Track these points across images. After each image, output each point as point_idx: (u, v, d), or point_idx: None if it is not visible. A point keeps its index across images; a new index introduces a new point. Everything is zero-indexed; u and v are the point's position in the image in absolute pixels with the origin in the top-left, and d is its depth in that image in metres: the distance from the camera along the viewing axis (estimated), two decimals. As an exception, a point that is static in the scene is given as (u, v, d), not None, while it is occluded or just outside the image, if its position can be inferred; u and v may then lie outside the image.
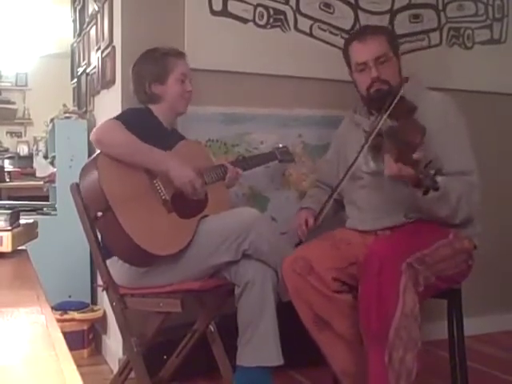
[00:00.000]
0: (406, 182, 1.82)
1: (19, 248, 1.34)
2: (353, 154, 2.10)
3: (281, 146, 2.62)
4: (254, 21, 2.67)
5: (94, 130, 2.03)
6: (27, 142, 7.23)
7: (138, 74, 2.21)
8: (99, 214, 1.91)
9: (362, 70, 2.09)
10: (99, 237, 2.09)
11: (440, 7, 3.05)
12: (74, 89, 3.75)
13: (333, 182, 2.27)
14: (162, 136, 2.14)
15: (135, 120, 2.06)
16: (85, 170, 2.00)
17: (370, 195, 2.13)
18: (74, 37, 3.64)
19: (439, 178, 1.74)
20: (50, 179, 3.44)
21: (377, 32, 2.13)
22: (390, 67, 2.08)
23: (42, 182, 3.75)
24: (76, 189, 2.06)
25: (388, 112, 1.98)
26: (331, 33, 2.82)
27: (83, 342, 2.84)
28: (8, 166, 6.00)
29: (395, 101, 1.99)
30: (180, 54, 2.24)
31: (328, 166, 2.40)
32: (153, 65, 2.18)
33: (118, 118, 2.07)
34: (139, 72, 2.21)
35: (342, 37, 2.82)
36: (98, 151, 2.00)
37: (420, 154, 1.75)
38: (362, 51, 2.09)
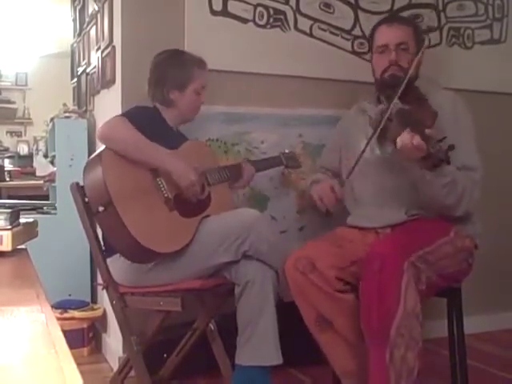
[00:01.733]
0: (415, 160, 1.81)
1: (19, 247, 1.34)
2: (357, 138, 2.11)
3: (287, 151, 2.61)
4: (253, 21, 2.67)
5: (101, 125, 2.03)
6: (27, 142, 7.23)
7: (160, 76, 2.18)
8: (100, 208, 1.92)
9: (382, 51, 2.14)
10: (99, 234, 2.10)
11: (440, 7, 3.05)
12: (73, 88, 3.75)
13: (336, 168, 2.32)
14: (168, 135, 2.14)
15: (142, 118, 2.06)
16: (89, 165, 2.00)
17: (371, 188, 2.14)
18: (74, 36, 3.65)
19: (450, 167, 1.77)
20: (50, 178, 3.45)
21: (405, 22, 2.24)
22: (410, 57, 2.11)
23: (42, 181, 3.76)
24: (76, 188, 2.06)
25: (399, 94, 1.99)
26: (331, 33, 2.82)
27: (83, 340, 2.84)
28: (8, 165, 5.99)
29: (404, 83, 2.01)
30: (204, 65, 2.23)
31: (330, 154, 2.41)
32: (178, 70, 2.16)
33: (124, 114, 2.07)
34: (162, 74, 2.18)
35: (342, 37, 2.83)
36: (103, 147, 2.00)
37: (432, 131, 1.77)
38: (386, 34, 2.14)
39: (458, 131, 2.02)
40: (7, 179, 5.05)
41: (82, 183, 2.04)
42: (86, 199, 2.03)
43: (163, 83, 2.17)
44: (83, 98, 3.38)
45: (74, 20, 3.62)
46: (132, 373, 2.13)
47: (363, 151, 2.04)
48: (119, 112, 2.33)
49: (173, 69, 2.17)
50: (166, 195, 2.02)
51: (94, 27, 2.98)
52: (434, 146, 1.71)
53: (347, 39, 2.84)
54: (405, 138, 1.78)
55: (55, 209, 3.12)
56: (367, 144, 2.04)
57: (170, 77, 2.16)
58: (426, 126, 1.80)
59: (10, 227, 1.28)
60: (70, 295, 2.97)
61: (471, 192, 1.96)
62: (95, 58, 2.95)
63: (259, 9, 2.68)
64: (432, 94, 2.06)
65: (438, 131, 1.80)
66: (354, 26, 2.85)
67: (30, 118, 7.33)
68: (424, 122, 1.83)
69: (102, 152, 1.98)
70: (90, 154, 2.72)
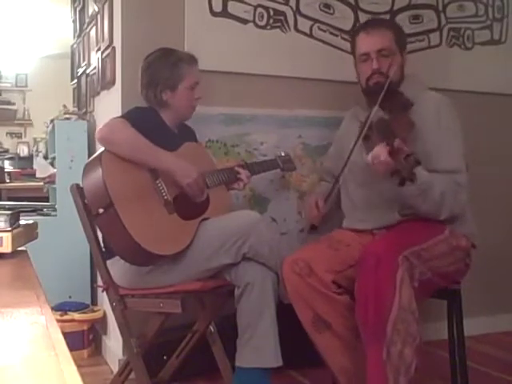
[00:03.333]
0: (385, 175, 1.82)
1: (19, 249, 1.34)
2: (350, 144, 2.12)
3: (283, 154, 2.60)
4: (254, 21, 2.67)
5: (100, 127, 2.03)
6: (27, 143, 7.24)
7: (151, 78, 2.16)
8: (100, 210, 1.91)
9: (364, 60, 2.12)
10: (100, 236, 2.09)
11: (440, 8, 3.05)
12: (74, 90, 3.76)
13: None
14: (167, 137, 2.14)
15: (142, 119, 2.06)
16: (88, 167, 1.99)
17: (364, 192, 2.15)
18: (74, 37, 3.65)
19: (422, 172, 1.78)
20: (50, 180, 3.45)
21: (384, 25, 2.17)
22: (392, 62, 2.09)
23: (42, 183, 3.76)
24: (76, 189, 2.06)
25: (378, 103, 2.00)
26: (331, 33, 2.82)
27: (83, 342, 2.84)
28: (8, 166, 5.99)
29: (383, 92, 2.00)
30: (193, 61, 2.20)
31: (331, 161, 2.42)
32: (167, 71, 2.14)
33: (124, 116, 2.07)
34: (152, 75, 2.16)
35: (341, 37, 2.82)
36: (102, 148, 1.99)
37: (400, 143, 1.76)
38: (366, 42, 2.12)
39: (441, 134, 2.01)
40: (7, 181, 5.05)
41: (81, 185, 2.04)
42: (86, 201, 2.03)
43: (155, 85, 2.15)
44: (83, 99, 3.38)
45: (74, 21, 3.62)
46: (132, 375, 2.12)
47: (348, 158, 2.07)
48: (119, 113, 2.33)
49: (162, 70, 2.15)
50: (165, 197, 2.02)
51: (94, 28, 2.98)
52: (401, 162, 1.71)
53: (347, 40, 2.83)
54: (375, 153, 1.79)
55: (55, 210, 3.11)
56: (351, 152, 2.06)
57: (160, 79, 2.14)
58: (399, 137, 1.80)
59: (10, 229, 1.28)
60: (70, 297, 2.97)
61: (454, 195, 1.95)
62: (95, 59, 2.95)
63: (259, 9, 2.68)
64: (418, 97, 2.05)
65: (411, 142, 1.81)
66: (353, 27, 2.84)
67: (30, 120, 7.34)
68: (398, 134, 1.83)
69: (101, 154, 1.97)
70: (89, 156, 2.71)
